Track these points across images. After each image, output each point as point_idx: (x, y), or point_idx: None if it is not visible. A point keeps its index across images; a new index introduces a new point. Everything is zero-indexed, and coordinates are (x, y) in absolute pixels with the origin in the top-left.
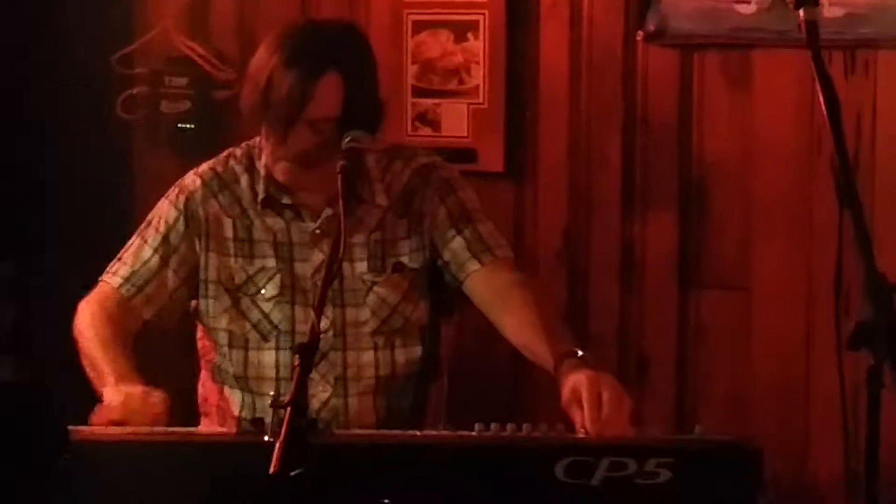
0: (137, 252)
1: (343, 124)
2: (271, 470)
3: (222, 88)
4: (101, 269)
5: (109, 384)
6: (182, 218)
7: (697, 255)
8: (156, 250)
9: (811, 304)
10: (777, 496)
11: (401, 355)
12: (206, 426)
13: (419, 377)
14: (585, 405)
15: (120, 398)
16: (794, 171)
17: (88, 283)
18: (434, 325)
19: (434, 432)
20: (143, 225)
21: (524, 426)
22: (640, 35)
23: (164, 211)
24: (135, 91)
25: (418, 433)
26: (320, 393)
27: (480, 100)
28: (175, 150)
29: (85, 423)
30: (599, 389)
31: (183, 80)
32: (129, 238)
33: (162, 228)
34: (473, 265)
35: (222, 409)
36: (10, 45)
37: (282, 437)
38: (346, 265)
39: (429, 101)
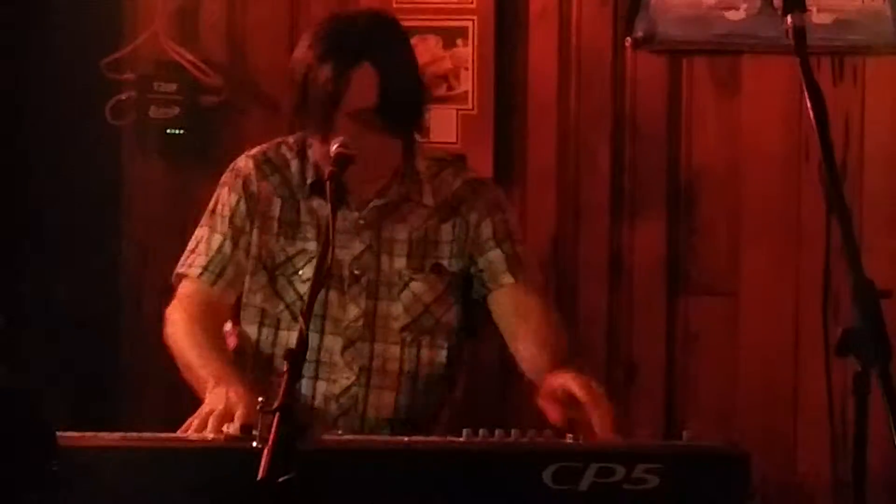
0: (209, 241)
1: (383, 114)
2: (260, 476)
3: (211, 94)
4: (89, 275)
5: (208, 388)
6: (242, 200)
7: (686, 260)
8: (225, 235)
9: (799, 309)
10: (765, 502)
11: (426, 356)
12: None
13: (439, 382)
14: (580, 392)
15: (222, 396)
16: (782, 177)
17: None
18: (461, 334)
19: (422, 438)
20: (205, 216)
21: (512, 432)
22: (628, 41)
23: (225, 197)
24: (123, 97)
25: (406, 439)
26: (343, 379)
27: (469, 106)
28: (164, 155)
29: (74, 429)
30: (590, 384)
31: (172, 86)
32: (119, 243)
33: (226, 213)
34: (507, 278)
35: None
36: None
37: (270, 443)
38: (384, 259)
39: None
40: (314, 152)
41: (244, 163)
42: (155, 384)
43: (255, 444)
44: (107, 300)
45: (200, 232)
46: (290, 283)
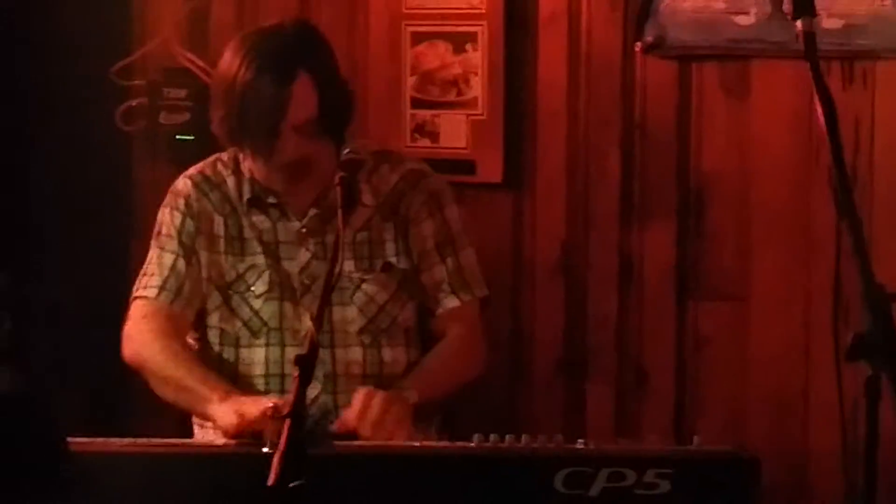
0: (160, 261)
1: (323, 122)
2: (270, 481)
3: None
4: (98, 280)
5: (214, 402)
6: (187, 218)
7: (696, 265)
8: (176, 254)
9: (809, 314)
10: None
11: (388, 355)
12: (198, 433)
13: None
14: (352, 404)
15: (234, 418)
16: (792, 181)
17: (86, 294)
18: (420, 328)
19: (433, 443)
20: (153, 240)
21: (523, 437)
22: (638, 46)
23: (168, 218)
24: (134, 103)
25: (417, 444)
26: (310, 390)
27: (479, 111)
28: (174, 161)
29: (83, 433)
30: (373, 397)
31: (182, 92)
32: (129, 249)
33: (173, 233)
34: (452, 301)
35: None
36: (8, 57)
37: (281, 448)
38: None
39: (427, 113)
40: (249, 168)
41: (182, 183)
42: None
43: (265, 449)
44: (116, 305)
45: (150, 254)
46: (245, 299)
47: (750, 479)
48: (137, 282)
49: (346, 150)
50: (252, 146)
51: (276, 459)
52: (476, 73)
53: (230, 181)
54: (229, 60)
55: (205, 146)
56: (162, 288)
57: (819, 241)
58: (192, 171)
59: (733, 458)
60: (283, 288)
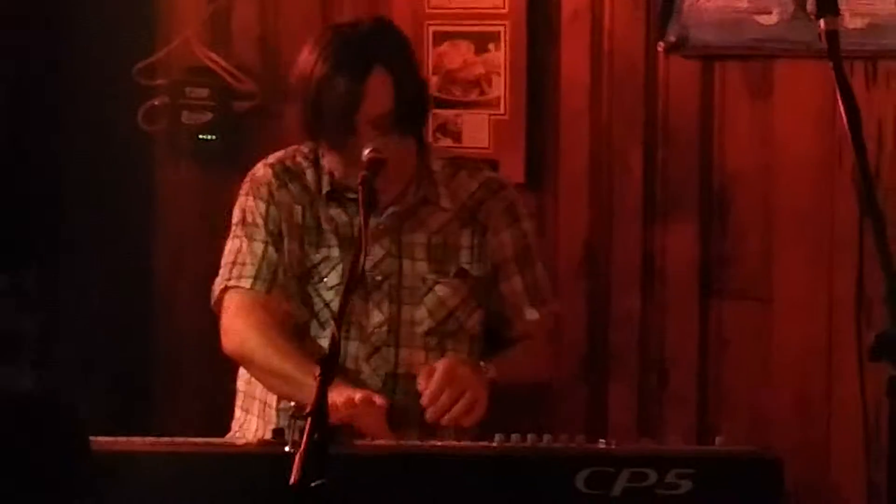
0: (251, 251)
1: (399, 117)
2: (292, 481)
3: (243, 100)
4: (122, 280)
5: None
6: (271, 206)
7: (718, 265)
8: (265, 242)
9: (832, 314)
10: None
11: None
12: (241, 420)
13: None
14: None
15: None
16: (815, 181)
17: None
18: (482, 339)
19: (455, 443)
20: (234, 229)
21: (544, 437)
22: (661, 46)
23: (252, 205)
24: (156, 102)
25: (439, 443)
26: (370, 387)
27: (501, 110)
28: (196, 161)
29: (107, 433)
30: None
31: (204, 92)
32: (151, 248)
33: (259, 221)
34: (531, 313)
35: (264, 401)
36: (32, 57)
37: (302, 447)
38: (406, 263)
39: (450, 112)
40: (328, 162)
41: (263, 171)
42: (188, 387)
43: (287, 448)
44: (139, 306)
45: (235, 243)
46: (317, 290)
47: (772, 479)
48: (225, 271)
49: (369, 150)
50: (328, 140)
51: (297, 459)
52: (498, 73)
53: (309, 173)
54: (306, 56)
55: (227, 146)
56: (256, 277)
57: (842, 240)
58: (271, 159)
59: (756, 458)
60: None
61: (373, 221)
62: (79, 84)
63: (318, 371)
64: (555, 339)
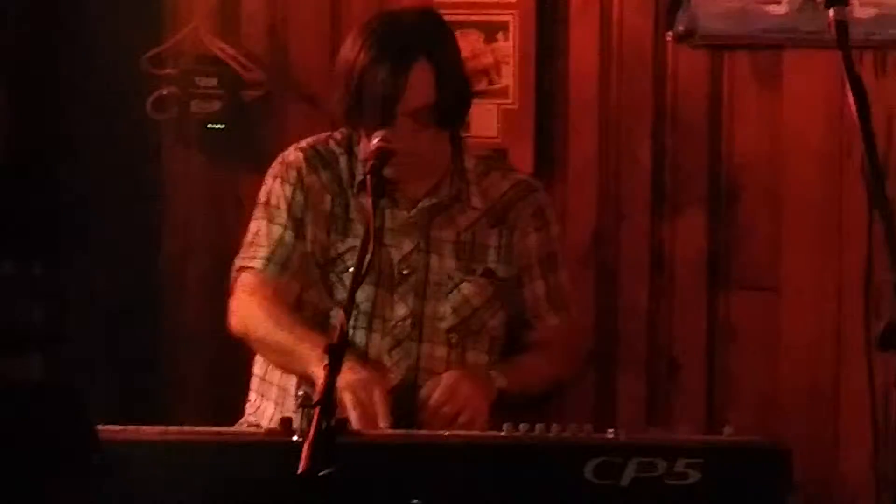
0: (269, 233)
1: (439, 111)
2: (300, 470)
3: (252, 89)
4: (129, 269)
5: (314, 362)
6: (298, 191)
7: (727, 255)
8: (285, 226)
9: (841, 304)
10: (806, 497)
11: (471, 358)
12: (257, 404)
13: None
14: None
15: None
16: (823, 172)
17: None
18: (503, 342)
19: (463, 432)
20: (259, 209)
21: (553, 426)
22: (669, 36)
23: (279, 189)
24: (165, 91)
25: (446, 433)
26: (390, 380)
27: (510, 100)
28: (204, 150)
29: (116, 422)
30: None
31: (213, 81)
32: (160, 237)
33: (283, 205)
34: (552, 318)
35: (282, 387)
36: (40, 47)
37: (310, 437)
38: (433, 259)
39: None
40: (362, 150)
41: (294, 155)
42: (196, 377)
43: (295, 438)
44: (148, 294)
45: (256, 224)
46: (341, 280)
47: (781, 469)
48: (243, 251)
49: (377, 140)
50: (367, 128)
51: (305, 448)
52: (507, 63)
53: (342, 160)
54: (351, 43)
55: (236, 135)
56: (269, 260)
57: (850, 231)
58: (303, 143)
59: (764, 448)
60: (381, 274)
61: (403, 215)
62: (87, 73)
63: (325, 360)
64: (571, 350)
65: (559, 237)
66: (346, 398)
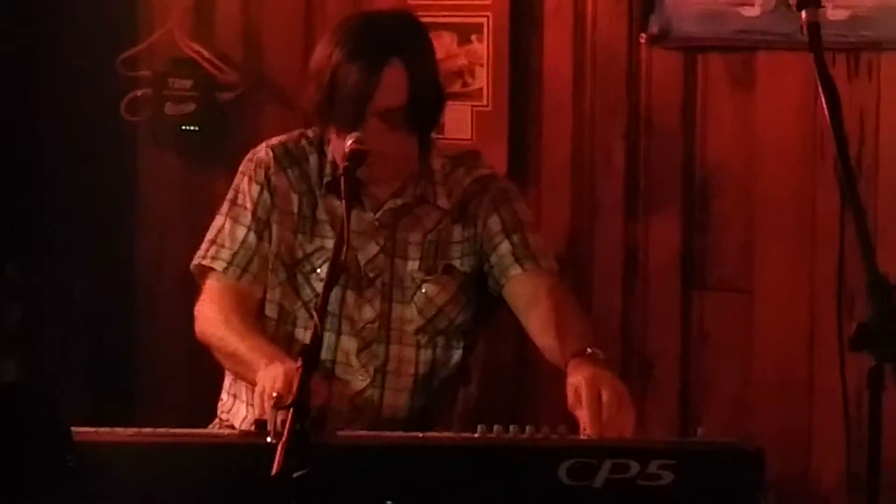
0: (232, 233)
1: (410, 113)
2: (274, 471)
3: (227, 90)
4: (104, 270)
5: (260, 368)
6: (265, 190)
7: (701, 257)
8: (249, 228)
9: (814, 306)
10: (779, 498)
11: (441, 357)
12: (229, 405)
13: (454, 381)
14: (584, 407)
15: (278, 372)
16: (797, 173)
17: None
18: (475, 331)
19: (436, 434)
20: (226, 205)
21: (527, 428)
22: (643, 37)
23: (246, 187)
24: (139, 93)
25: (420, 435)
26: (359, 382)
27: (484, 102)
28: (179, 152)
29: (90, 424)
30: (599, 389)
31: (187, 83)
32: (134, 238)
33: (249, 205)
34: (515, 270)
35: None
36: (14, 47)
37: (284, 438)
38: (397, 261)
39: None
40: (332, 150)
41: (264, 153)
42: (171, 378)
43: (269, 439)
44: (123, 296)
45: (221, 221)
46: (308, 280)
47: (753, 470)
48: (205, 247)
49: (351, 141)
50: (337, 128)
51: (279, 449)
52: (481, 65)
53: (312, 159)
54: (326, 42)
55: (210, 137)
56: (230, 263)
57: (823, 232)
58: (274, 141)
59: (737, 449)
60: (348, 276)
61: (369, 217)
62: (62, 75)
63: (299, 362)
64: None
65: (526, 210)
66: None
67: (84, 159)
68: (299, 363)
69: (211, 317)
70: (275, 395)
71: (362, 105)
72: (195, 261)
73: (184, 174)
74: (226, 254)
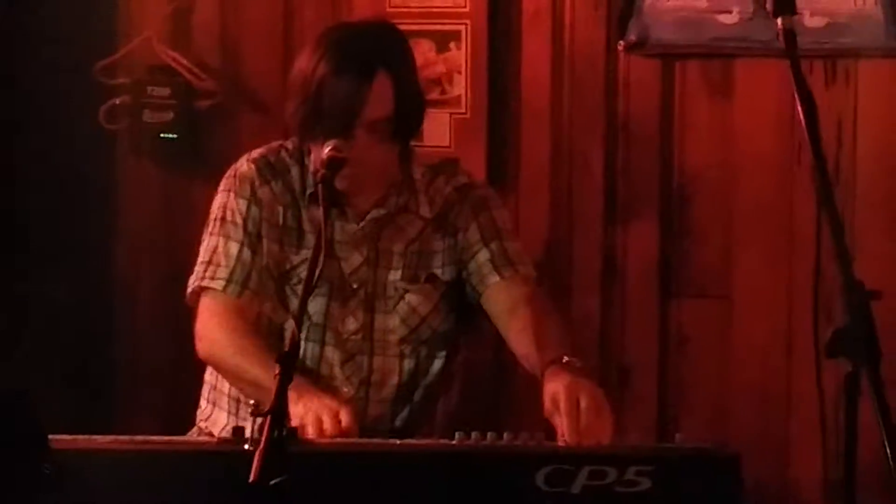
0: (227, 251)
1: (396, 123)
2: (251, 479)
3: (204, 98)
4: (82, 278)
5: (292, 400)
6: (252, 204)
7: (678, 263)
8: (241, 243)
9: (791, 312)
10: (757, 503)
11: (424, 366)
12: (208, 413)
13: (436, 389)
14: (563, 414)
15: (321, 410)
16: (774, 180)
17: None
18: (456, 339)
19: (414, 440)
20: (212, 225)
21: (505, 435)
22: (621, 45)
23: (233, 203)
24: (117, 101)
25: (398, 441)
26: (343, 393)
27: (462, 110)
28: (157, 160)
29: (68, 431)
30: (577, 397)
31: (165, 91)
32: (112, 247)
33: (239, 220)
34: (493, 278)
35: (234, 397)
36: None
37: (261, 446)
38: (381, 272)
39: None
40: (314, 161)
41: (246, 167)
42: (149, 385)
43: (246, 446)
44: (100, 304)
45: (213, 241)
46: (295, 292)
47: (731, 475)
48: (200, 269)
49: (328, 149)
50: (324, 139)
51: (257, 457)
52: (459, 72)
53: (294, 171)
54: (309, 54)
55: (188, 145)
56: (229, 281)
57: (801, 239)
58: (255, 154)
59: (714, 455)
60: (332, 287)
61: (352, 227)
62: (39, 83)
63: (276, 370)
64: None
65: (506, 219)
66: (311, 427)
67: (63, 166)
68: (277, 370)
69: (219, 338)
70: (252, 402)
71: (351, 118)
72: (191, 286)
73: (162, 182)
74: (223, 272)
